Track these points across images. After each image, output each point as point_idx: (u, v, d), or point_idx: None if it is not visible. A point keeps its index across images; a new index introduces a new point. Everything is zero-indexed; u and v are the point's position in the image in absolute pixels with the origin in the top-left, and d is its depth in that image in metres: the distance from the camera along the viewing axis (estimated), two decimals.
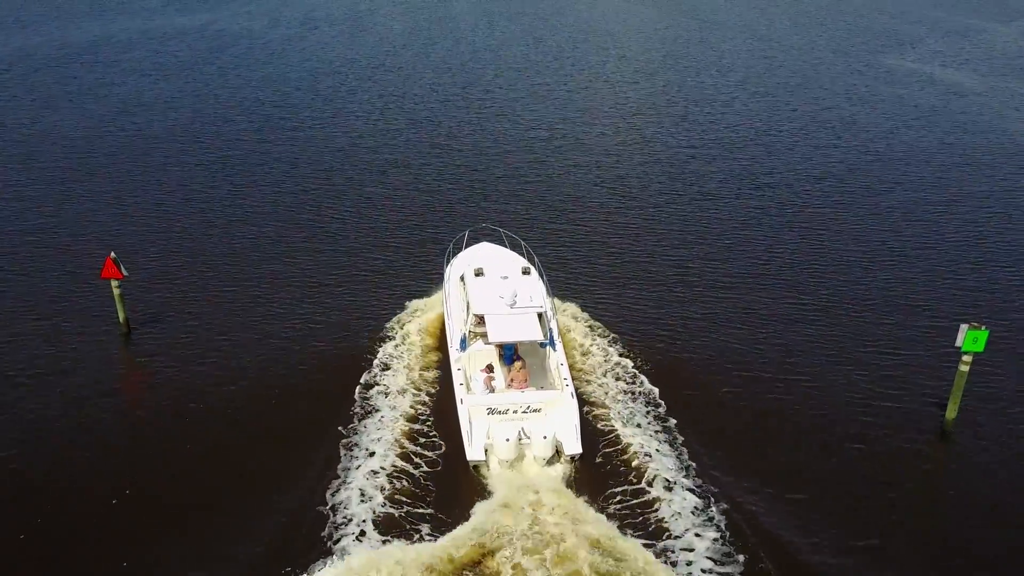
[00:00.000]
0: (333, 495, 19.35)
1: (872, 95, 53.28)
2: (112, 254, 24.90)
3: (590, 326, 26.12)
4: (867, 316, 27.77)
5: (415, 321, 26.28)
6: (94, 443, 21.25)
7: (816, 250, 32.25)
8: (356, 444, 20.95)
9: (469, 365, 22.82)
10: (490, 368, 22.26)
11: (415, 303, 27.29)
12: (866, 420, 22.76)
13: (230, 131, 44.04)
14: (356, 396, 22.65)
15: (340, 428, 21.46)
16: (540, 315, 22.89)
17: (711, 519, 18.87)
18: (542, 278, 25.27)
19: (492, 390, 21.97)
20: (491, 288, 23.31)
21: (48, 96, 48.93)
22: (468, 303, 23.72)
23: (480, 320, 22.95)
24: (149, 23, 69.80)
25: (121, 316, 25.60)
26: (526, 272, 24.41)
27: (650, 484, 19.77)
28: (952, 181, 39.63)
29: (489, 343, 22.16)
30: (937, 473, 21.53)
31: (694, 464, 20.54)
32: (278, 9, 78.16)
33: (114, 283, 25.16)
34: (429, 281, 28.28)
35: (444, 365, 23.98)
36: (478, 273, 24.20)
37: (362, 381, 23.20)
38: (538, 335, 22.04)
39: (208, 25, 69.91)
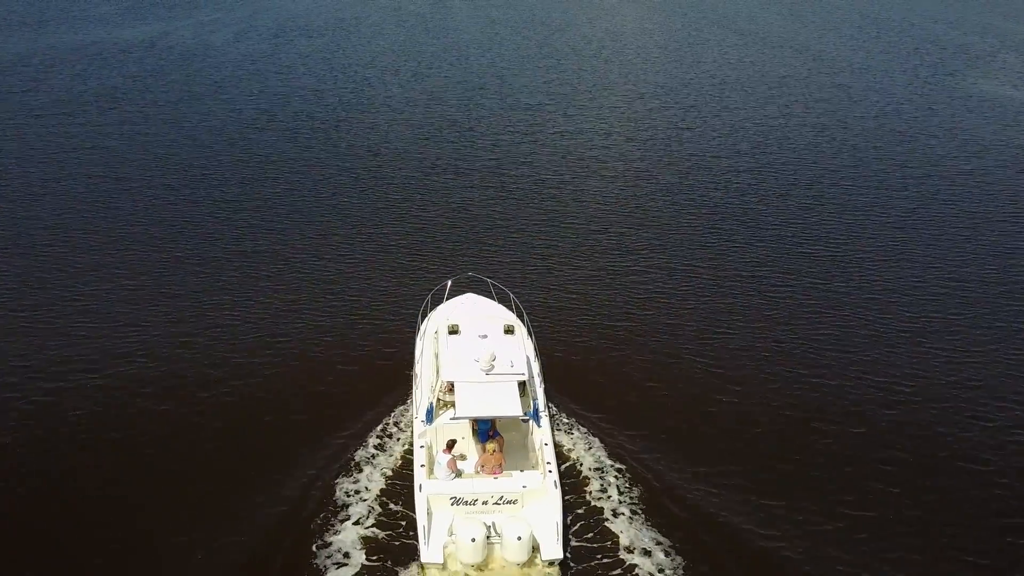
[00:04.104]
0: None
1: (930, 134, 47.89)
2: None
3: (586, 393, 22.39)
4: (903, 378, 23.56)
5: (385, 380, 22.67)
6: None
7: (854, 313, 27.99)
8: (291, 537, 17.33)
9: (436, 441, 19.08)
10: (451, 446, 18.36)
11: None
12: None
13: (177, 163, 39.55)
14: (302, 479, 19.02)
15: (273, 515, 17.89)
16: (522, 383, 19.25)
17: None
18: (530, 337, 21.75)
19: (458, 474, 18.22)
20: (465, 349, 19.71)
21: None
22: (438, 366, 20.10)
23: (451, 388, 19.32)
24: (89, 36, 62.66)
25: None
26: (509, 331, 20.83)
27: None
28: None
29: (457, 418, 18.47)
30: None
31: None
32: (247, 19, 71.53)
33: None
34: (408, 336, 24.63)
35: (408, 439, 20.24)
36: (452, 331, 20.71)
37: (318, 460, 19.55)
38: (516, 410, 18.35)
39: (159, 39, 63.00)
